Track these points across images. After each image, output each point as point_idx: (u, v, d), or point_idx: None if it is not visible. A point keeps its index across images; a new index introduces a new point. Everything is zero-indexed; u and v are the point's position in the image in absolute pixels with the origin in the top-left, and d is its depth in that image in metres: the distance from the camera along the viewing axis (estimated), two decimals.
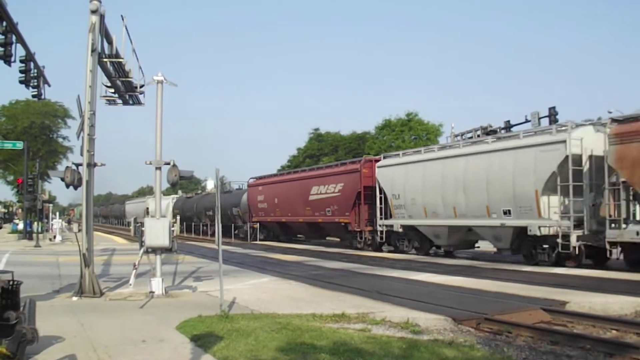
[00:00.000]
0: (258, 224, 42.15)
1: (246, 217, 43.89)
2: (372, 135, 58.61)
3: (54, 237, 41.08)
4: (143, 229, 13.34)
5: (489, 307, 11.32)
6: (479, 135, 36.73)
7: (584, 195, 19.06)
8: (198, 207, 53.87)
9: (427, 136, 54.08)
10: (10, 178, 60.04)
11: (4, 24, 13.64)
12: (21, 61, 15.80)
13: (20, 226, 49.09)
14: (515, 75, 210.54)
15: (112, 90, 15.92)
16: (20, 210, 63.51)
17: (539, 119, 33.97)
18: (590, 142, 19.09)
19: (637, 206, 18.24)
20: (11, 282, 7.16)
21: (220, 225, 11.23)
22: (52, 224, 47.00)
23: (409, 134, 54.42)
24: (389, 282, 16.06)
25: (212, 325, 9.15)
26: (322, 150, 62.87)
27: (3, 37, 13.84)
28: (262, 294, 13.59)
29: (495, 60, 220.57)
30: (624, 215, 17.49)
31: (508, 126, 36.91)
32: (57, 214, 58.53)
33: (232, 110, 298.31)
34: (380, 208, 28.44)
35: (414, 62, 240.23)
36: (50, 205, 55.45)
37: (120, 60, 14.85)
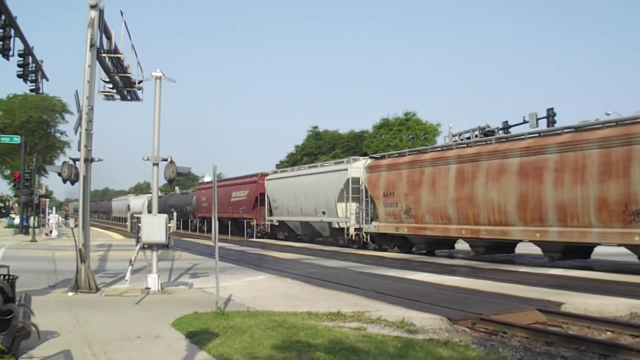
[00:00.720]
0: (204, 220, 52.04)
1: (195, 213, 55.12)
2: (370, 134, 58.60)
3: (51, 232, 41.08)
4: (140, 225, 13.32)
5: (484, 307, 11.33)
6: (476, 136, 36.83)
7: (360, 203, 29.21)
8: (165, 205, 59.50)
9: (425, 136, 54.11)
10: (7, 172, 59.97)
11: (3, 17, 13.62)
12: (19, 55, 15.77)
13: (17, 221, 49.02)
14: (514, 76, 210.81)
15: (111, 86, 15.90)
16: (16, 205, 63.37)
17: (537, 119, 34.02)
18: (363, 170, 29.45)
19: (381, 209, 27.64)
20: (7, 277, 7.15)
21: (217, 223, 11.22)
22: (48, 219, 46.95)
23: (406, 133, 54.43)
24: (385, 281, 16.06)
25: (207, 322, 9.14)
26: (320, 148, 62.90)
27: (2, 31, 13.83)
28: (258, 291, 13.58)
29: (494, 61, 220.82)
30: (371, 216, 28.65)
31: (506, 127, 36.98)
32: (54, 209, 58.47)
33: (230, 108, 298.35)
34: (269, 209, 39.92)
35: (413, 61, 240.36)
36: (47, 200, 55.44)
37: (119, 55, 14.83)
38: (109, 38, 14.61)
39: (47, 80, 17.55)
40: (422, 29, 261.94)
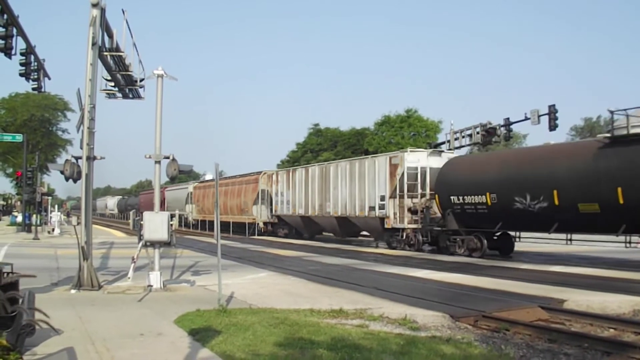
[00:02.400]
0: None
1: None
2: (371, 131, 58.56)
3: (53, 229, 41.05)
4: (142, 222, 13.33)
5: (486, 305, 11.33)
6: (478, 133, 36.74)
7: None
8: (129, 204, 64.62)
9: (427, 133, 54.06)
10: (10, 170, 60.02)
11: (5, 16, 13.64)
12: (22, 54, 15.81)
13: (19, 219, 49.06)
14: (516, 73, 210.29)
15: (112, 84, 15.89)
16: (19, 203, 63.42)
17: (539, 116, 33.91)
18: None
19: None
20: (9, 280, 7.18)
21: (219, 220, 11.23)
22: (50, 217, 46.97)
23: (408, 130, 54.37)
24: (387, 279, 16.07)
25: (210, 320, 9.15)
26: (322, 145, 62.82)
27: (4, 29, 13.86)
28: (260, 288, 13.59)
29: (496, 58, 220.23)
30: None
31: (507, 124, 36.88)
32: (56, 206, 58.53)
33: (232, 105, 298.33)
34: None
35: (414, 58, 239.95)
36: (49, 198, 55.39)
37: (121, 54, 14.82)
38: (110, 36, 14.61)
39: (49, 78, 17.64)
40: (424, 26, 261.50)
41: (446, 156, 27.58)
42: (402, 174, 26.85)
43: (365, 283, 14.64)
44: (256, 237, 41.10)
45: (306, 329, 8.57)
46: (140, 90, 16.37)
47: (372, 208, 29.03)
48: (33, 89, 17.38)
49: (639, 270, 17.71)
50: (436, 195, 25.01)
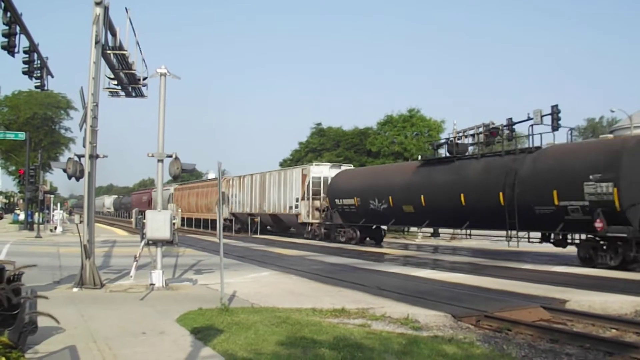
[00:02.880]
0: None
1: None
2: (374, 131, 58.43)
3: (55, 228, 41.11)
4: (144, 221, 13.33)
5: (488, 305, 11.32)
6: (480, 133, 36.70)
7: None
8: (122, 203, 70.51)
9: (429, 132, 53.93)
10: (12, 168, 60.00)
11: (8, 14, 13.64)
12: (25, 52, 15.79)
13: (22, 217, 49.13)
14: (519, 73, 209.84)
15: (115, 82, 15.91)
16: (21, 201, 63.52)
17: (542, 117, 33.84)
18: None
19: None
20: (13, 272, 7.18)
21: (222, 219, 11.23)
22: (53, 215, 47.01)
23: (410, 130, 54.23)
24: (389, 278, 16.07)
25: (212, 318, 9.16)
26: (324, 145, 62.68)
27: (7, 27, 13.85)
28: (262, 287, 13.60)
29: (499, 58, 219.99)
30: None
31: (510, 124, 36.79)
32: (59, 205, 58.58)
33: (235, 104, 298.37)
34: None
35: (417, 58, 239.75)
36: (52, 196, 55.46)
37: (124, 52, 14.83)
38: (113, 35, 14.61)
39: (52, 77, 17.59)
40: (427, 25, 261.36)
41: (344, 168, 37.28)
42: (309, 182, 36.78)
43: (367, 282, 14.63)
44: (258, 236, 41.15)
45: (308, 328, 8.57)
46: (143, 89, 16.39)
47: (291, 207, 38.39)
48: (36, 87, 17.35)
49: None
50: (327, 198, 34.60)
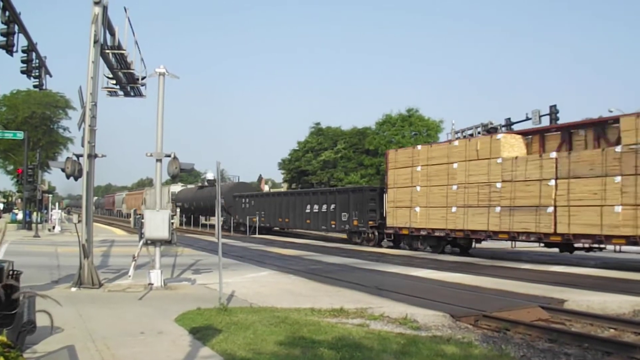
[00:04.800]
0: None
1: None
2: (372, 131, 58.42)
3: (53, 227, 41.06)
4: (143, 220, 13.32)
5: (487, 304, 11.33)
6: (479, 132, 36.74)
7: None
8: (99, 203, 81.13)
9: (428, 132, 53.92)
10: (10, 168, 59.87)
11: (7, 14, 13.64)
12: (23, 51, 15.79)
13: (20, 216, 49.04)
14: (517, 73, 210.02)
15: (114, 82, 15.88)
16: (19, 200, 63.36)
17: (540, 116, 33.94)
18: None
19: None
20: (11, 272, 7.16)
21: (220, 219, 11.22)
22: (51, 215, 46.94)
23: (409, 129, 54.22)
24: (387, 278, 16.07)
25: (210, 318, 9.15)
26: (322, 144, 62.68)
27: (5, 27, 13.85)
28: (261, 287, 13.59)
29: (497, 58, 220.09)
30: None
31: (509, 123, 36.90)
32: (57, 204, 58.51)
33: (234, 104, 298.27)
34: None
35: (416, 58, 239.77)
36: (50, 195, 55.35)
37: (123, 52, 14.80)
38: (112, 34, 14.59)
39: (51, 76, 17.60)
40: (426, 26, 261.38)
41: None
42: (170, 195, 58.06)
43: (366, 282, 14.64)
44: (257, 235, 41.11)
45: (307, 328, 8.57)
46: (142, 88, 16.36)
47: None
48: (34, 86, 17.36)
49: (639, 270, 17.70)
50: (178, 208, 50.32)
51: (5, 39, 13.96)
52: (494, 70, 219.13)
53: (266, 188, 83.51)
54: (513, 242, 24.89)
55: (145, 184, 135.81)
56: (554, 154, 20.80)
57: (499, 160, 22.49)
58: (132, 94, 16.56)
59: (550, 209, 20.21)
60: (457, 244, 26.04)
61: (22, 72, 16.20)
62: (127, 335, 8.10)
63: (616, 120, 19.92)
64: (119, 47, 14.72)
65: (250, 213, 44.60)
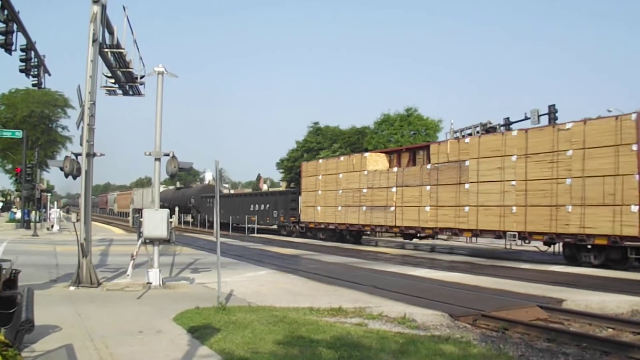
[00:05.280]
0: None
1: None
2: (371, 130, 58.43)
3: (52, 226, 41.03)
4: (142, 219, 13.31)
5: (485, 304, 11.33)
6: (478, 132, 36.74)
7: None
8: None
9: (427, 132, 53.93)
10: (9, 167, 59.87)
11: (6, 12, 13.61)
12: (22, 50, 15.77)
13: (18, 215, 48.99)
14: (516, 73, 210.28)
15: (113, 81, 15.87)
16: (18, 199, 63.33)
17: (539, 116, 33.94)
18: None
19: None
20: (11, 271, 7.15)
21: (219, 218, 11.21)
22: (50, 214, 46.92)
23: (408, 129, 54.23)
24: (386, 277, 16.07)
25: (209, 317, 9.15)
26: (321, 144, 62.68)
27: (4, 25, 13.81)
28: (259, 286, 13.59)
29: (497, 57, 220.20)
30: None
31: (507, 123, 36.90)
32: (55, 203, 58.49)
33: (233, 104, 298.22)
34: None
35: (415, 57, 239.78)
36: (49, 194, 55.36)
37: (121, 50, 14.79)
38: (111, 33, 14.58)
39: (49, 75, 17.58)
40: (425, 25, 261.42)
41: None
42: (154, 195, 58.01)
43: (364, 282, 14.64)
44: (256, 235, 41.14)
45: (305, 327, 8.57)
46: (141, 87, 16.35)
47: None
48: (33, 85, 17.34)
49: (638, 270, 17.70)
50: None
51: (4, 37, 13.93)
52: (494, 69, 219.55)
53: (265, 187, 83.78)
54: (509, 243, 25.69)
55: (144, 183, 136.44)
56: (395, 169, 28.79)
57: (365, 173, 30.39)
58: (130, 93, 16.55)
59: (392, 209, 28.23)
60: (351, 234, 33.18)
61: (21, 70, 16.17)
62: (126, 334, 8.09)
63: (436, 144, 27.98)
64: (118, 46, 14.71)
65: (213, 211, 49.83)
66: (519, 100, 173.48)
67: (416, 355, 7.24)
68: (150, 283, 12.94)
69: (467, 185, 23.82)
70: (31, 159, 43.67)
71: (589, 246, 19.47)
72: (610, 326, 10.07)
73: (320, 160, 36.40)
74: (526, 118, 34.90)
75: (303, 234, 38.22)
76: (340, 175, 32.58)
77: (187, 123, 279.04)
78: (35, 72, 16.67)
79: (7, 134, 41.51)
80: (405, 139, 51.63)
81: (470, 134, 37.11)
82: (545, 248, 22.59)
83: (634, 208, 17.79)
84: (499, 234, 22.71)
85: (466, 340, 8.58)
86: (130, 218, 61.75)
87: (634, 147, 18.10)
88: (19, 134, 40.45)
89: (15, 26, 14.15)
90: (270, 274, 16.34)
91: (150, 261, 13.51)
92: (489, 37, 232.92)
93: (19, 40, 14.93)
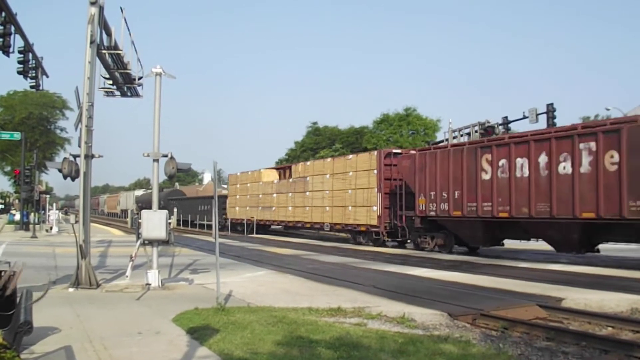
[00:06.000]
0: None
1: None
2: (370, 130, 58.51)
3: (51, 228, 41.00)
4: (140, 220, 13.30)
5: (484, 303, 11.33)
6: (476, 131, 36.74)
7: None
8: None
9: (425, 131, 54.02)
10: (8, 169, 59.88)
11: (3, 14, 13.61)
12: (20, 52, 15.76)
13: (17, 217, 48.98)
14: (514, 72, 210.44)
15: (111, 82, 15.88)
16: (17, 201, 63.30)
17: (537, 115, 33.93)
18: None
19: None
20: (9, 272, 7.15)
21: (217, 219, 11.20)
22: (48, 215, 46.89)
23: (407, 128, 54.31)
24: (385, 277, 16.07)
25: (208, 318, 9.14)
26: (320, 144, 62.77)
27: (2, 27, 13.81)
28: (258, 287, 13.59)
29: (495, 56, 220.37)
30: None
31: (506, 122, 36.89)
32: (54, 205, 58.46)
33: (231, 104, 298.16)
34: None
35: (414, 57, 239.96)
36: (47, 196, 55.32)
37: (119, 52, 14.79)
38: (109, 34, 14.58)
39: (47, 76, 17.57)
40: (422, 24, 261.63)
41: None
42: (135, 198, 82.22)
43: (363, 281, 14.63)
44: (255, 235, 41.11)
45: (304, 328, 8.57)
46: (139, 89, 16.37)
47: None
48: (31, 87, 17.33)
49: (637, 268, 17.71)
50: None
51: (1, 39, 13.92)
52: (493, 69, 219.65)
53: None
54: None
55: (142, 184, 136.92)
56: (275, 181, 40.20)
57: (261, 183, 41.63)
58: (128, 94, 16.56)
59: (274, 208, 39.47)
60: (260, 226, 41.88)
61: (19, 72, 16.16)
62: (125, 335, 8.09)
63: (295, 164, 40.70)
64: (116, 48, 14.71)
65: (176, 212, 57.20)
66: (517, 100, 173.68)
67: (415, 355, 7.24)
68: (149, 284, 12.93)
69: (307, 193, 35.29)
70: (30, 161, 43.69)
71: (359, 231, 30.48)
72: (609, 325, 10.06)
73: (238, 173, 47.07)
74: (524, 117, 34.89)
75: (230, 228, 46.74)
76: (248, 185, 43.94)
77: (185, 124, 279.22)
78: (33, 74, 16.66)
79: (5, 136, 41.51)
80: (404, 138, 51.74)
81: (468, 134, 37.12)
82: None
83: (375, 208, 28.67)
84: (321, 225, 34.10)
85: (465, 339, 8.58)
86: (128, 219, 62.51)
87: (375, 172, 28.79)
88: (17, 135, 40.46)
89: (12, 28, 14.15)
90: (269, 274, 16.34)
91: (149, 262, 13.50)
92: (488, 37, 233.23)
93: (17, 42, 14.93)
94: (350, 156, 32.63)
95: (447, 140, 38.69)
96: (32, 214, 40.16)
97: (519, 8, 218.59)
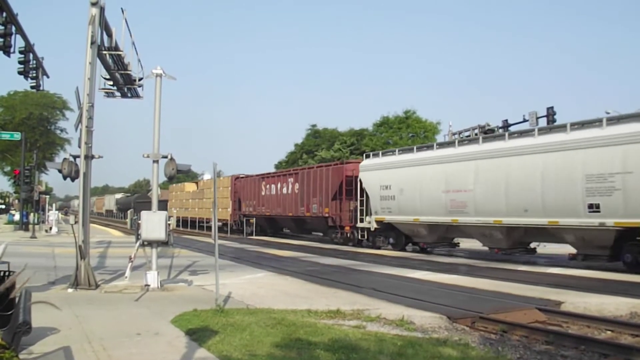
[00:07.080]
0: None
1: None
2: (369, 132, 58.51)
3: (50, 228, 40.99)
4: (140, 222, 13.29)
5: (484, 306, 11.33)
6: (476, 134, 36.75)
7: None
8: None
9: (425, 134, 54.01)
10: (8, 169, 59.83)
11: (4, 14, 13.63)
12: (20, 52, 15.79)
13: (17, 217, 48.96)
14: (515, 75, 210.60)
15: (111, 83, 15.89)
16: (16, 201, 63.31)
17: (537, 118, 33.95)
18: None
19: None
20: (7, 273, 7.15)
21: (217, 220, 11.20)
22: (48, 216, 46.87)
23: (406, 131, 54.31)
24: (384, 279, 16.06)
25: (207, 320, 9.14)
26: (319, 146, 62.76)
27: (3, 28, 13.84)
28: (257, 288, 13.58)
29: (495, 59, 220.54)
30: None
31: (506, 125, 36.91)
32: (54, 205, 58.45)
33: (231, 106, 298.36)
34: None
35: (413, 60, 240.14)
36: (47, 196, 55.31)
37: (120, 53, 14.81)
38: (109, 35, 14.59)
39: (48, 77, 17.62)
40: (422, 26, 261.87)
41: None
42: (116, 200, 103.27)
43: (362, 284, 14.63)
44: (254, 237, 41.12)
45: (303, 330, 8.56)
46: (139, 90, 16.38)
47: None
48: (32, 87, 17.36)
49: (637, 272, 17.70)
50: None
51: (2, 40, 13.95)
52: (493, 71, 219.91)
53: None
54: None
55: (142, 185, 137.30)
56: (192, 190, 54.91)
57: (185, 192, 56.23)
58: (129, 95, 16.57)
59: (197, 210, 51.28)
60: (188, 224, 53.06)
61: (20, 73, 16.19)
62: (124, 336, 8.08)
63: (202, 181, 57.73)
64: (116, 49, 14.73)
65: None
66: (518, 102, 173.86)
67: (414, 357, 7.24)
68: (148, 285, 12.93)
69: (204, 200, 48.87)
70: (30, 161, 43.67)
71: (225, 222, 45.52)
72: (609, 328, 10.06)
73: (174, 184, 60.27)
74: (524, 120, 34.90)
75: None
76: (179, 193, 58.67)
77: (185, 125, 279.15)
78: (34, 75, 16.69)
79: (5, 136, 41.48)
80: (404, 141, 51.70)
81: (468, 136, 37.14)
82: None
83: (229, 209, 45.21)
84: (202, 221, 49.94)
85: (464, 342, 8.58)
86: (128, 220, 62.84)
87: (229, 188, 45.34)
88: (17, 136, 40.43)
89: (13, 28, 14.18)
90: (268, 276, 16.33)
91: (149, 263, 13.50)
92: (489, 39, 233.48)
93: (18, 42, 14.97)
94: (221, 177, 48.21)
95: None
96: (32, 214, 40.14)
97: (519, 8, 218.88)
